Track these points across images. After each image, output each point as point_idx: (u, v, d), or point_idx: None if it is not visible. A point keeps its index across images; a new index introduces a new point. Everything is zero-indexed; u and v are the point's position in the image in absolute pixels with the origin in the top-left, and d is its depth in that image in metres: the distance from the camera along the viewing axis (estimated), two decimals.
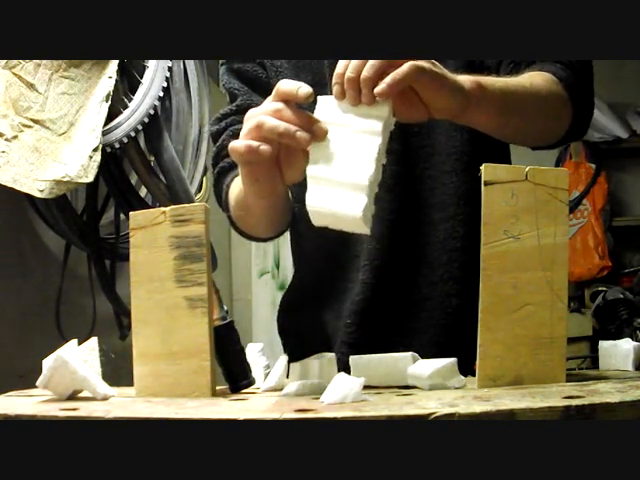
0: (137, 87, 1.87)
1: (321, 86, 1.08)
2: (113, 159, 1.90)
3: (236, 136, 1.10)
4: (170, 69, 1.96)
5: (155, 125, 1.93)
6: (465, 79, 0.88)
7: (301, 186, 1.07)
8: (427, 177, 1.08)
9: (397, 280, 1.09)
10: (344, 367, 0.83)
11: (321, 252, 1.14)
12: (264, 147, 0.83)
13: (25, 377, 0.86)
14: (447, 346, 1.04)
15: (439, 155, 1.08)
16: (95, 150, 1.60)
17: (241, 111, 1.15)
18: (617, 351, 0.91)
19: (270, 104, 0.85)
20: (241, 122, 1.10)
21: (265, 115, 0.84)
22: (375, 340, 1.08)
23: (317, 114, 0.84)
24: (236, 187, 1.10)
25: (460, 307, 1.08)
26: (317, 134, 0.82)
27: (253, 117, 0.85)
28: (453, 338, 1.07)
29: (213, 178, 1.19)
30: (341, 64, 0.83)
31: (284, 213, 1.13)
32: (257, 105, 1.03)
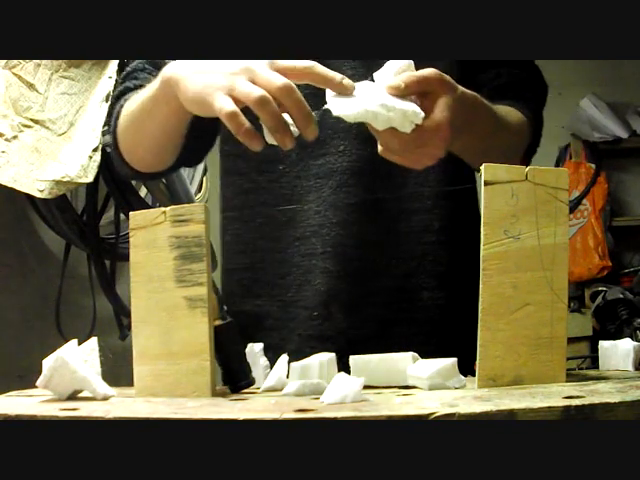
0: None
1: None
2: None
3: (152, 63, 1.06)
4: None
5: None
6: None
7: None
8: (401, 165, 1.02)
9: (366, 269, 1.05)
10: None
11: (259, 235, 1.08)
12: (256, 140, 0.81)
13: (25, 377, 0.86)
14: (417, 340, 1.02)
15: None
16: (95, 150, 1.60)
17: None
18: (617, 351, 0.91)
19: (283, 83, 0.81)
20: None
21: (270, 94, 0.80)
22: (345, 332, 1.04)
23: None
24: (134, 101, 1.01)
25: (430, 301, 1.06)
26: (308, 135, 0.82)
27: (262, 82, 0.81)
28: (423, 332, 1.05)
29: (115, 96, 1.12)
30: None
31: (181, 138, 1.03)
32: None
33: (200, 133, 1.02)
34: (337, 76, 0.83)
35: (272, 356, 0.88)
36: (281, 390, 0.79)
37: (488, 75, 1.11)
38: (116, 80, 1.13)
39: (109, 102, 1.65)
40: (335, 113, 0.83)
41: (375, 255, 1.05)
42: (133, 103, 1.02)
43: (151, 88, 0.96)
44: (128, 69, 1.12)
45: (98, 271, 1.99)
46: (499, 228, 0.78)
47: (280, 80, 0.81)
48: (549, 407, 0.63)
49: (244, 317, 1.08)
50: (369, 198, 1.04)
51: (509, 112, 1.06)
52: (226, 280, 1.15)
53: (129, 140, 1.07)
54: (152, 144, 1.05)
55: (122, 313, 2.03)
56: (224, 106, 0.81)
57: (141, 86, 1.03)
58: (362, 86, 0.85)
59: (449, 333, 1.07)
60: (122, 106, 1.06)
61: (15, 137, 1.52)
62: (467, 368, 0.85)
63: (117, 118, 1.06)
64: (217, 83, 0.84)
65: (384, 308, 1.05)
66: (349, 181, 1.04)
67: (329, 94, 0.84)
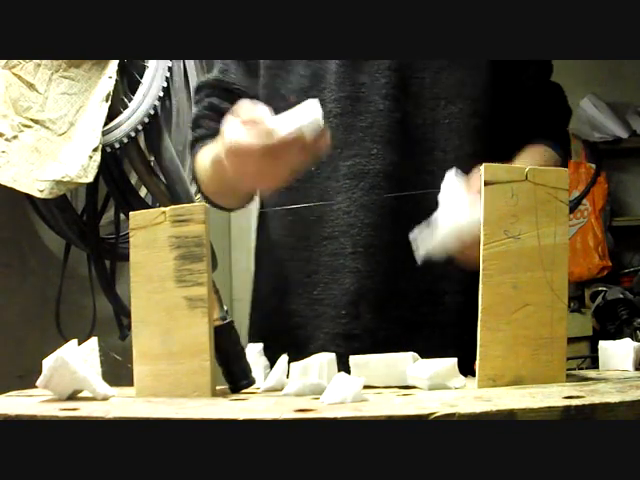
0: (137, 87, 1.87)
1: (319, 90, 1.09)
2: (113, 159, 1.90)
3: (211, 107, 1.16)
4: (170, 69, 1.96)
5: (155, 125, 1.93)
6: None
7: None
8: (427, 172, 1.06)
9: (395, 271, 1.06)
10: (342, 360, 0.83)
11: (289, 233, 1.11)
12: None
13: (25, 377, 0.86)
14: (441, 343, 1.03)
15: (442, 152, 1.07)
16: (95, 150, 1.60)
17: (221, 86, 1.17)
18: (617, 351, 0.91)
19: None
20: (215, 94, 1.16)
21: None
22: (371, 332, 1.05)
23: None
24: (208, 160, 1.10)
25: (454, 305, 1.07)
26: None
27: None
28: (447, 335, 1.06)
29: (189, 145, 1.21)
30: None
31: None
32: (237, 86, 1.14)
33: None
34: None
35: (296, 354, 0.88)
36: (281, 390, 0.79)
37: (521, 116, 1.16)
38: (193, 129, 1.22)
39: (109, 102, 1.65)
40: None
41: (404, 257, 1.05)
42: (205, 166, 1.12)
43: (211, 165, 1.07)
44: (192, 117, 1.21)
45: (98, 271, 1.99)
46: (499, 228, 0.78)
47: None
48: (549, 407, 0.63)
49: (272, 314, 1.14)
50: (400, 201, 1.06)
51: (547, 159, 1.10)
52: (258, 278, 1.20)
53: (215, 196, 1.17)
54: (233, 198, 1.17)
55: (122, 313, 2.03)
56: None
57: (207, 135, 1.13)
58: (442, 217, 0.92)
59: (471, 337, 1.07)
60: (195, 157, 1.16)
61: (15, 137, 1.52)
62: (467, 368, 0.85)
63: (195, 171, 1.18)
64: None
65: (411, 310, 1.06)
66: (381, 183, 1.06)
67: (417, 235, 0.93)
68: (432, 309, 1.07)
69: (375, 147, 1.06)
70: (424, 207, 1.05)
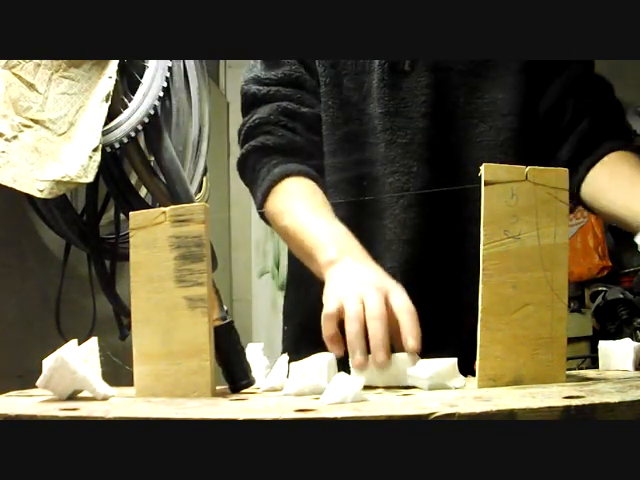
0: (137, 87, 1.87)
1: (367, 104, 1.10)
2: (113, 159, 1.90)
3: (285, 112, 1.09)
4: (170, 69, 1.96)
5: (155, 125, 1.93)
6: None
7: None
8: (459, 190, 1.07)
9: (428, 287, 1.07)
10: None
11: None
12: (336, 347, 0.85)
13: (25, 377, 0.86)
14: (465, 357, 1.04)
15: (474, 167, 1.08)
16: (95, 150, 1.60)
17: (286, 82, 1.11)
18: (617, 351, 0.91)
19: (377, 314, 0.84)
20: (288, 98, 1.11)
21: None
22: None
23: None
24: (289, 211, 1.05)
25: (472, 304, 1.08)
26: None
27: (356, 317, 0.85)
28: (471, 350, 1.07)
29: (245, 148, 1.13)
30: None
31: None
32: (306, 78, 1.10)
33: None
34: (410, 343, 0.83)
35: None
36: (281, 390, 0.80)
37: (566, 117, 1.14)
38: (245, 131, 1.12)
39: (109, 102, 1.65)
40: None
41: (438, 274, 1.08)
42: (288, 217, 1.04)
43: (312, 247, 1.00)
44: (256, 120, 1.12)
45: (98, 271, 1.99)
46: (499, 228, 0.78)
47: (377, 311, 0.84)
48: (549, 407, 0.63)
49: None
50: (436, 219, 1.07)
51: (636, 162, 1.08)
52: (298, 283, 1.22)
53: (277, 231, 1.12)
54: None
55: (122, 313, 2.03)
56: (328, 307, 0.87)
57: (280, 145, 1.09)
58: None
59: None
60: (266, 193, 1.08)
61: (15, 137, 1.52)
62: (467, 368, 0.85)
63: (267, 193, 1.08)
64: (344, 287, 0.89)
65: (441, 323, 1.06)
66: (419, 201, 1.07)
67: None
68: (460, 321, 1.05)
69: (415, 164, 1.07)
70: (459, 225, 1.08)
